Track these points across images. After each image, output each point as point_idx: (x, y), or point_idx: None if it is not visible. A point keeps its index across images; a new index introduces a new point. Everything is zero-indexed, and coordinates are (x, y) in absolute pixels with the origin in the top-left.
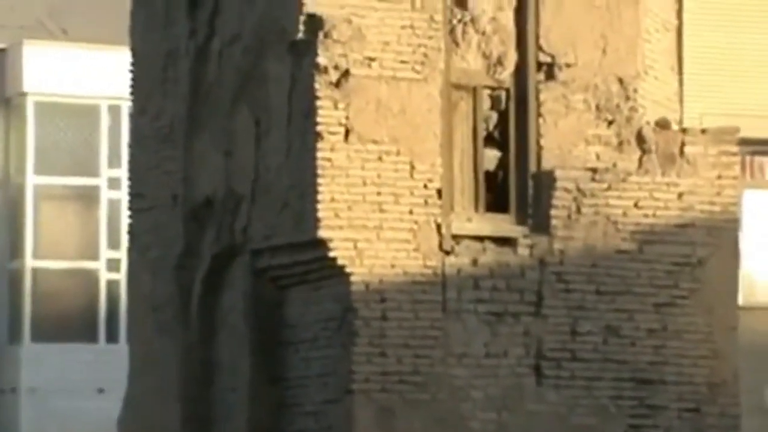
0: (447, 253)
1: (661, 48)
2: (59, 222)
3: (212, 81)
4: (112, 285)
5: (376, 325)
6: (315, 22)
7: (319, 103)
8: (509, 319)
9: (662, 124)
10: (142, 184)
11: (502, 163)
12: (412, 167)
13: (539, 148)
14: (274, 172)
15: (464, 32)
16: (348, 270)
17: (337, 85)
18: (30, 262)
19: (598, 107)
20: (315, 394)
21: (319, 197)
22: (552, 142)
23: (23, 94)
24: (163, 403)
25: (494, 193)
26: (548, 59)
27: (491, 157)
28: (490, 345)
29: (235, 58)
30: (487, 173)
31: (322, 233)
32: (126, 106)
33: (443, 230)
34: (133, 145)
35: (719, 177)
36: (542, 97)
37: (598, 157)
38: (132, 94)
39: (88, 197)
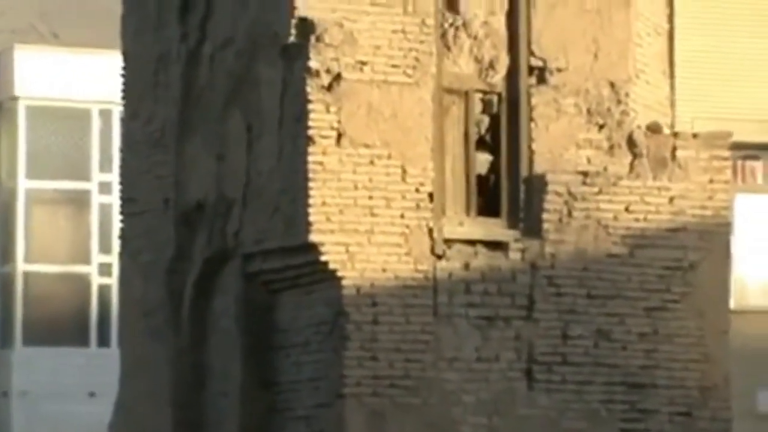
0: (438, 257)
1: (652, 52)
2: (51, 226)
3: (204, 85)
4: (103, 289)
5: (367, 329)
6: (307, 26)
7: (310, 106)
8: (500, 323)
9: (653, 128)
10: (134, 188)
11: (494, 167)
12: (404, 171)
13: (531, 152)
14: (265, 176)
15: (456, 36)
16: (339, 274)
17: (329, 89)
18: (21, 266)
19: (589, 111)
20: (306, 398)
21: (311, 201)
22: (543, 146)
23: (14, 98)
24: (154, 407)
25: (486, 197)
26: (540, 63)
27: (483, 161)
28: (482, 349)
29: (227, 62)
30: (479, 177)
31: (314, 237)
32: (117, 110)
33: (435, 234)
34: (124, 150)
35: (711, 181)
36: (534, 101)
37: (589, 161)
38: (123, 98)
39: (79, 201)
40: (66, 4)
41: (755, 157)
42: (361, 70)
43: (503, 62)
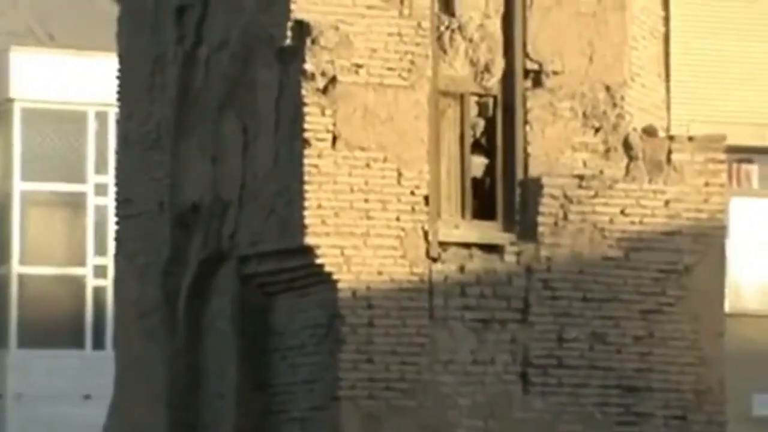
0: (434, 260)
1: (648, 55)
2: (46, 228)
3: (200, 87)
4: (98, 291)
5: (362, 331)
6: (302, 29)
7: (306, 109)
8: (496, 326)
9: (649, 132)
10: (129, 190)
11: (489, 170)
12: (400, 174)
13: (526, 155)
14: (261, 179)
15: (452, 39)
16: (335, 277)
17: (325, 91)
18: (17, 268)
19: (585, 114)
20: (302, 400)
21: (306, 204)
22: (539, 149)
23: (10, 100)
24: (149, 409)
25: (481, 200)
26: (535, 67)
27: (478, 164)
28: (477, 352)
29: (223, 65)
30: (474, 180)
31: (309, 240)
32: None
33: (430, 237)
34: (120, 152)
35: (706, 184)
36: (529, 104)
37: (585, 164)
38: (119, 100)
39: (75, 203)
40: (62, 6)
41: (750, 161)
42: (357, 72)
43: (499, 65)
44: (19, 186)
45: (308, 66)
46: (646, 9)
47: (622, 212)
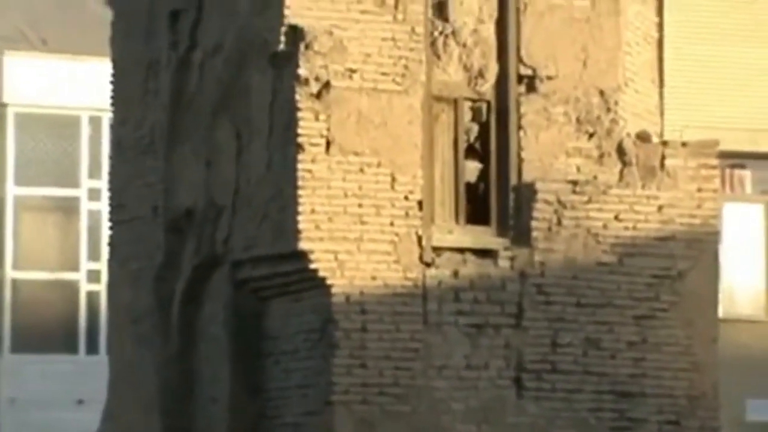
0: (428, 265)
1: (641, 61)
2: (39, 233)
3: (193, 92)
4: (92, 296)
5: (356, 336)
6: (296, 34)
7: (300, 114)
8: (490, 331)
9: (643, 137)
10: (123, 195)
11: (483, 175)
12: (393, 179)
13: (520, 160)
14: (254, 184)
15: (445, 44)
16: (328, 282)
17: (318, 96)
18: (10, 273)
19: (578, 120)
20: (295, 405)
21: (300, 209)
22: (533, 155)
23: (3, 105)
24: (143, 414)
25: (475, 205)
26: (529, 72)
27: (472, 169)
28: (471, 357)
29: (217, 70)
30: (468, 185)
31: (303, 245)
32: (107, 116)
33: (424, 242)
34: (113, 156)
35: (699, 190)
36: (523, 109)
37: (578, 169)
38: (113, 105)
39: (68, 208)
40: (55, 11)
41: (743, 166)
42: (351, 77)
43: (492, 70)
44: (12, 191)
45: (302, 71)
46: (640, 14)
47: (616, 217)
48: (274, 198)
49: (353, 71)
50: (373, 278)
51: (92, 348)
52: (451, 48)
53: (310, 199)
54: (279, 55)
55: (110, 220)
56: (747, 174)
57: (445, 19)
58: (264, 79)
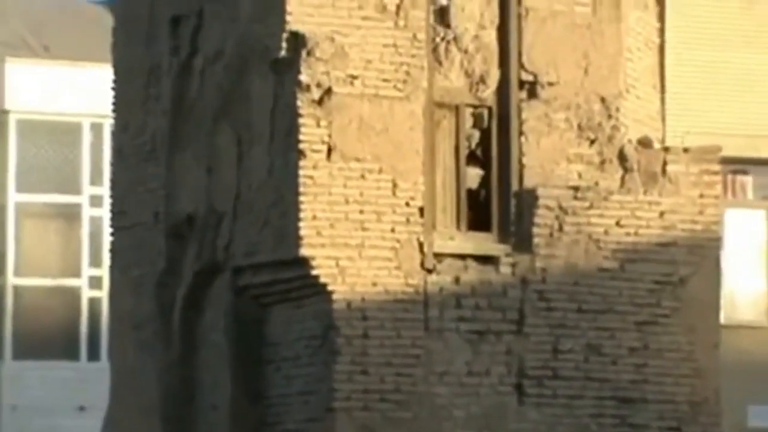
0: (429, 271)
1: (643, 67)
2: (41, 239)
3: (194, 98)
4: (94, 303)
5: (357, 343)
6: (298, 40)
7: (301, 120)
8: (491, 337)
9: (644, 143)
10: (124, 201)
11: (485, 182)
12: (395, 185)
13: (521, 166)
14: (255, 190)
15: (447, 50)
16: (330, 288)
17: (320, 102)
18: (12, 280)
19: (580, 126)
20: (297, 412)
21: (301, 215)
22: (534, 161)
23: (5, 112)
24: (144, 421)
25: (476, 212)
26: (530, 78)
27: (473, 175)
28: (472, 363)
29: (218, 75)
30: (470, 191)
31: (304, 251)
32: (108, 123)
33: (425, 248)
34: (115, 163)
35: (701, 196)
36: (524, 115)
37: (580, 175)
38: (114, 111)
39: (70, 215)
40: (56, 17)
41: (745, 172)
42: (352, 84)
43: (494, 76)
44: (14, 197)
45: (303, 77)
46: (641, 20)
47: (617, 223)
48: (276, 204)
49: (355, 77)
50: (375, 285)
51: (94, 354)
52: (452, 54)
53: (311, 206)
54: (280, 62)
55: (112, 226)
56: (748, 180)
57: (447, 26)
58: (265, 85)
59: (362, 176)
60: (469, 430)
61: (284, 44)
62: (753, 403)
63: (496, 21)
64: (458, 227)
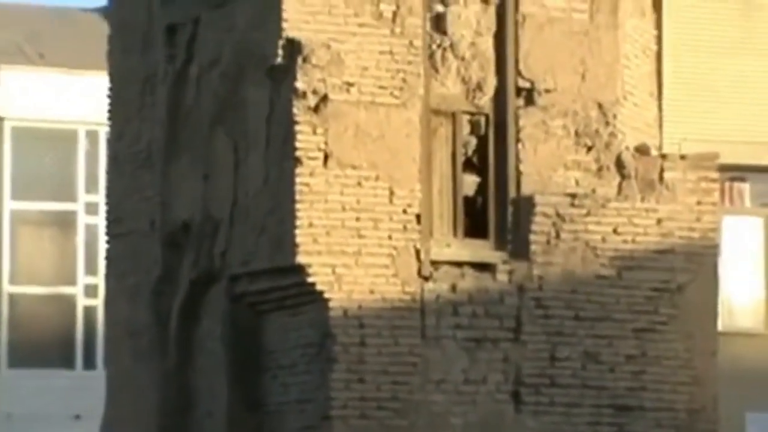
0: (426, 278)
1: (640, 74)
2: (36, 247)
3: (190, 105)
4: (89, 311)
5: (354, 351)
6: (294, 47)
7: (297, 128)
8: (488, 345)
9: (641, 150)
10: (120, 209)
11: (481, 189)
12: (391, 193)
13: (518, 173)
14: (252, 197)
15: (443, 58)
16: (326, 296)
17: (316, 110)
18: (7, 288)
19: (577, 133)
20: (293, 420)
21: (298, 222)
22: (531, 168)
23: (0, 119)
24: (140, 429)
25: (473, 219)
26: (527, 85)
27: (470, 182)
28: (469, 371)
29: (214, 83)
30: (466, 199)
31: (301, 259)
32: (104, 131)
33: (422, 256)
34: (110, 170)
35: (698, 203)
36: (521, 122)
37: (577, 182)
38: (110, 119)
39: (65, 222)
40: (52, 25)
41: (743, 179)
42: (348, 91)
43: (491, 83)
44: (9, 205)
45: (299, 84)
46: (638, 28)
47: (615, 231)
48: (272, 212)
49: (351, 84)
50: (371, 292)
51: (89, 363)
52: (449, 61)
53: (307, 213)
54: (276, 69)
55: (107, 234)
56: (746, 187)
57: (443, 33)
58: (261, 93)
59: (359, 183)
60: None
61: (280, 51)
62: (751, 410)
63: (493, 28)
64: (455, 234)
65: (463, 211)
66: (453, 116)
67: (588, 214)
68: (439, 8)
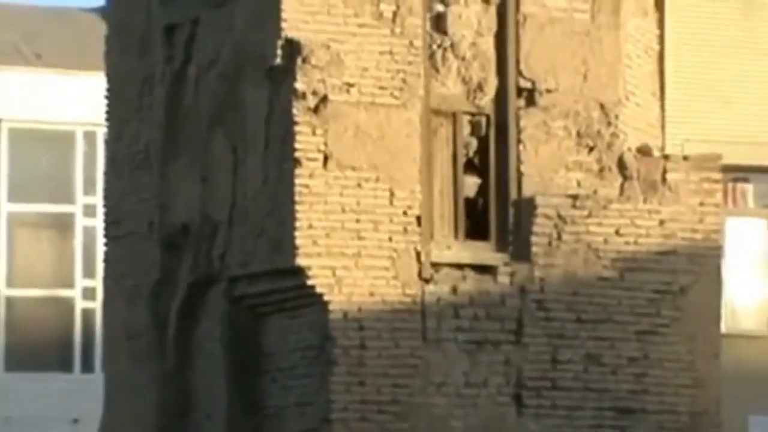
0: (426, 281)
1: (642, 74)
2: (34, 249)
3: (189, 106)
4: (87, 313)
5: (354, 353)
6: (293, 48)
7: (297, 128)
8: (489, 347)
9: (644, 151)
10: (118, 211)
11: (482, 190)
12: (392, 194)
13: (519, 174)
14: (251, 199)
15: (444, 58)
16: (326, 298)
17: (316, 110)
18: (4, 290)
19: (579, 133)
20: (293, 423)
21: (297, 224)
22: (532, 169)
23: None
24: (138, 431)
25: (474, 220)
26: (528, 85)
27: (471, 183)
28: (470, 374)
29: (212, 84)
30: (467, 200)
31: (300, 261)
32: (102, 132)
33: (423, 258)
34: (108, 172)
35: (701, 204)
36: (522, 123)
37: (579, 183)
38: (107, 120)
39: (63, 224)
40: (49, 25)
41: (746, 180)
42: (348, 91)
43: (492, 84)
44: (6, 207)
45: (299, 85)
46: (640, 27)
47: (617, 232)
48: (271, 213)
49: (351, 85)
50: (372, 294)
51: (87, 366)
52: (449, 61)
53: (307, 215)
54: (276, 69)
55: (105, 236)
56: (749, 188)
57: (444, 33)
58: (260, 93)
59: (359, 185)
60: None
61: (279, 52)
62: (754, 413)
63: (494, 28)
64: (456, 236)
65: (464, 213)
66: (454, 117)
67: (590, 215)
68: (440, 8)
